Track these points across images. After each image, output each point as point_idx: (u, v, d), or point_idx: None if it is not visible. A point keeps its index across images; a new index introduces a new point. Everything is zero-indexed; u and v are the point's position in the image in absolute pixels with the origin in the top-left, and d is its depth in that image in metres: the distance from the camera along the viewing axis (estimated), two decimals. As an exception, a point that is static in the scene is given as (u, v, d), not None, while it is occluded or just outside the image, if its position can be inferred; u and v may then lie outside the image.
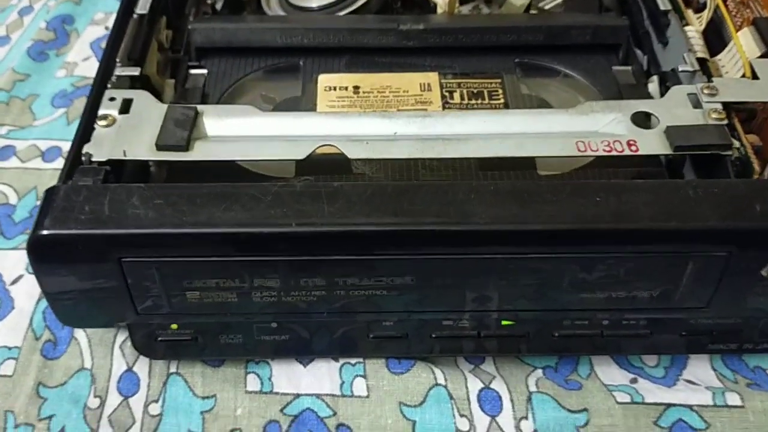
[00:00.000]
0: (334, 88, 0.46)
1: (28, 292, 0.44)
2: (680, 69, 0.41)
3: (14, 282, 0.45)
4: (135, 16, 0.45)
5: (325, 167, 0.40)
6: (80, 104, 0.56)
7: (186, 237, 0.33)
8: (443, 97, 0.45)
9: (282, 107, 0.45)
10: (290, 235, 0.33)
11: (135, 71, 0.42)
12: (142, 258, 0.34)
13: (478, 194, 0.34)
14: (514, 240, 0.34)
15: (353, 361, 0.41)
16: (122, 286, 0.35)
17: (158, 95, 0.44)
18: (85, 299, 0.36)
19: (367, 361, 0.40)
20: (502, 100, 0.45)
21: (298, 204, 0.34)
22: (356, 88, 0.46)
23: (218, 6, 0.56)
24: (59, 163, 0.52)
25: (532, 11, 0.52)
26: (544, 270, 0.35)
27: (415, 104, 0.45)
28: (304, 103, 0.45)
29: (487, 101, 0.45)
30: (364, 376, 0.40)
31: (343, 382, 0.40)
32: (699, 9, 0.50)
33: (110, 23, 0.62)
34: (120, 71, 0.42)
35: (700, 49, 0.44)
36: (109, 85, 0.41)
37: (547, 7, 0.54)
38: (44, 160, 0.52)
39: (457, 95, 0.45)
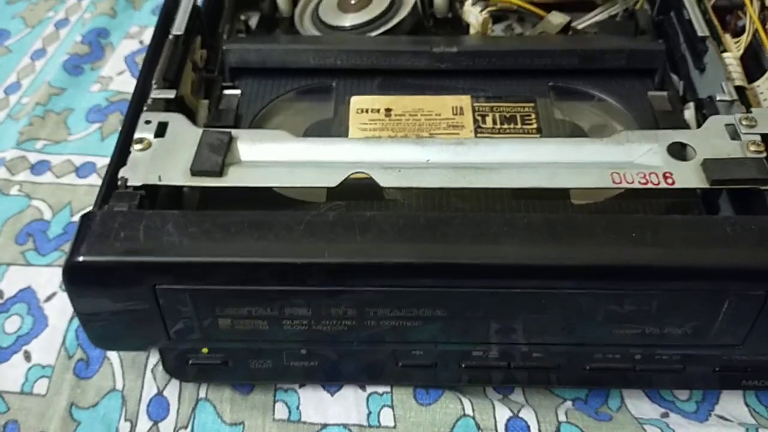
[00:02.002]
0: (366, 111, 0.46)
1: (61, 309, 0.45)
2: (718, 98, 0.41)
3: (48, 299, 0.46)
4: (170, 36, 0.46)
5: (356, 192, 0.40)
6: (114, 120, 0.57)
7: (220, 266, 0.33)
8: (475, 121, 0.45)
9: (315, 129, 0.45)
10: (323, 266, 0.33)
11: (170, 94, 0.42)
12: (176, 286, 0.34)
13: (511, 227, 0.33)
14: (548, 275, 0.33)
15: (380, 390, 0.40)
16: (155, 311, 0.35)
17: (192, 115, 0.45)
18: (118, 323, 0.36)
19: (395, 391, 0.40)
20: (535, 125, 0.45)
21: (331, 234, 0.34)
22: (388, 110, 0.46)
23: (252, 23, 0.57)
24: (93, 179, 0.52)
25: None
26: (577, 305, 0.34)
27: (447, 128, 0.45)
28: (336, 125, 0.45)
29: (519, 126, 0.45)
30: (392, 407, 0.40)
31: (370, 413, 0.40)
32: (737, 33, 0.49)
33: (144, 37, 0.64)
34: (155, 93, 0.42)
35: (738, 77, 0.43)
36: (145, 108, 0.41)
37: (581, 26, 0.54)
38: (78, 176, 0.53)
39: (489, 119, 0.45)
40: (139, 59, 0.62)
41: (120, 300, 0.35)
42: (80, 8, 0.68)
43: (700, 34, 0.45)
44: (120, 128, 0.54)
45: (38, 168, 0.53)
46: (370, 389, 0.41)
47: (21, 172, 0.53)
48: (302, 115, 0.47)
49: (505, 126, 0.45)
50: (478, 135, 0.44)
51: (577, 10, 0.55)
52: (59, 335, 0.44)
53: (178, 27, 0.46)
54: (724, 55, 0.44)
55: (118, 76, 0.61)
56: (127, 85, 0.60)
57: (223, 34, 0.52)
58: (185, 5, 0.48)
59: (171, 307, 0.35)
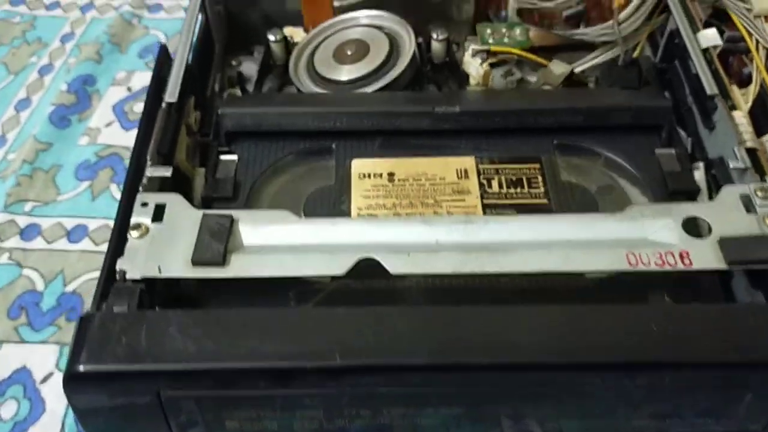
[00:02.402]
0: (369, 176, 0.44)
1: (59, 392, 0.43)
2: (731, 166, 0.40)
3: (44, 380, 0.44)
4: (164, 105, 0.44)
5: (362, 270, 0.38)
6: (105, 176, 0.55)
7: (226, 372, 0.32)
8: (481, 185, 0.44)
9: (316, 197, 0.44)
10: (333, 369, 0.32)
11: (166, 171, 0.40)
12: (181, 392, 0.33)
13: (526, 322, 0.33)
14: (566, 371, 0.32)
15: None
16: (160, 415, 0.34)
17: (188, 183, 0.44)
18: (122, 427, 0.35)
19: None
20: (542, 189, 0.43)
21: (341, 334, 0.32)
22: (391, 175, 0.44)
23: (243, 68, 0.55)
24: (86, 243, 0.51)
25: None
26: (597, 399, 0.33)
27: (453, 194, 0.43)
28: (337, 192, 0.44)
29: (526, 190, 0.44)
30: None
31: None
32: (742, 80, 0.48)
33: (132, 83, 0.62)
34: (150, 171, 0.40)
35: (749, 138, 0.42)
36: (140, 188, 0.40)
37: (579, 69, 0.53)
38: (70, 241, 0.51)
39: (495, 183, 0.44)
40: (128, 108, 0.60)
41: (123, 405, 0.33)
42: (64, 52, 0.66)
43: (708, 92, 0.43)
44: (110, 185, 0.54)
45: (28, 233, 0.52)
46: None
47: (11, 237, 0.51)
48: (302, 181, 0.45)
49: (512, 190, 0.44)
50: (485, 201, 0.43)
51: (576, 50, 0.54)
52: (58, 421, 0.43)
53: (171, 93, 0.45)
54: (734, 113, 0.43)
55: (106, 128, 0.59)
56: (116, 137, 0.58)
57: (215, 92, 0.50)
58: (177, 69, 0.46)
59: (176, 411, 0.34)
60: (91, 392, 0.33)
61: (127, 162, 0.53)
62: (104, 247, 0.37)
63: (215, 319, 0.33)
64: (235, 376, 0.32)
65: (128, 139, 0.57)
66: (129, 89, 0.62)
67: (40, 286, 0.49)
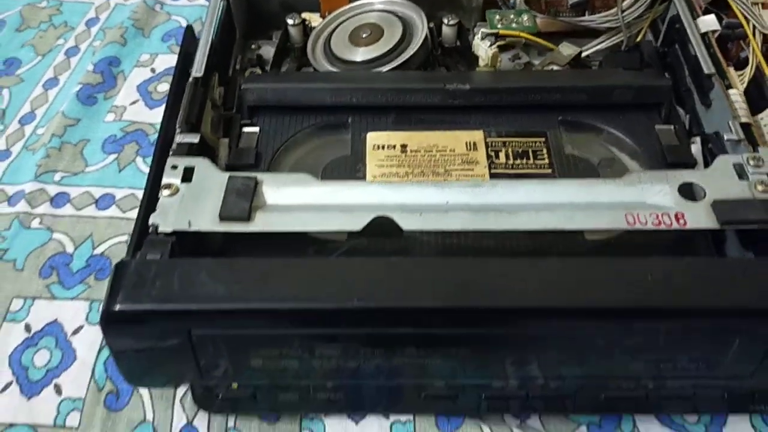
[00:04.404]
0: (383, 147, 0.47)
1: (89, 343, 0.46)
2: (726, 138, 0.42)
3: (75, 332, 0.47)
4: (191, 79, 0.47)
5: (376, 229, 0.41)
6: (130, 150, 0.58)
7: (253, 313, 0.35)
8: (489, 156, 0.46)
9: (333, 166, 0.47)
10: (352, 311, 0.35)
11: (194, 138, 0.43)
12: (211, 331, 0.35)
13: (532, 271, 0.35)
14: (568, 318, 0.35)
15: (403, 419, 0.42)
16: (189, 354, 0.36)
17: (213, 153, 0.46)
18: (153, 364, 0.37)
19: (417, 420, 0.42)
20: (546, 161, 0.46)
21: (359, 280, 0.35)
22: (404, 146, 0.47)
23: (262, 51, 0.58)
24: (113, 210, 0.54)
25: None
26: (596, 343, 0.36)
27: (462, 164, 0.46)
28: (354, 162, 0.47)
29: (532, 161, 0.46)
30: (414, 434, 0.41)
31: (393, 440, 0.41)
32: (739, 63, 0.51)
33: (156, 65, 0.65)
34: (180, 138, 0.43)
35: (743, 114, 0.44)
36: (171, 152, 0.42)
37: (585, 53, 0.55)
38: (98, 208, 0.54)
39: (502, 155, 0.46)
40: (152, 88, 0.63)
41: (155, 344, 0.36)
42: (89, 35, 0.69)
43: (706, 71, 0.46)
44: (136, 158, 0.57)
45: (58, 200, 0.54)
46: (393, 418, 0.42)
47: (41, 204, 0.54)
48: (320, 152, 0.48)
49: (518, 161, 0.46)
50: (492, 171, 0.45)
51: (581, 37, 0.56)
52: (88, 368, 0.45)
53: (198, 68, 0.47)
54: (730, 91, 0.45)
55: (131, 106, 0.62)
56: (141, 114, 0.61)
57: (237, 69, 0.53)
58: (204, 46, 0.49)
59: (205, 350, 0.36)
60: (126, 331, 0.36)
61: (152, 137, 0.56)
62: (132, 214, 0.40)
63: (242, 266, 0.36)
64: (260, 316, 0.35)
65: (152, 116, 0.60)
66: (153, 70, 0.65)
67: (69, 248, 0.51)
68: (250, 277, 0.35)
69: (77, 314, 0.48)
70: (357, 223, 0.39)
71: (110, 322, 0.35)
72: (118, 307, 0.34)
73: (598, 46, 0.56)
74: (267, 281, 0.35)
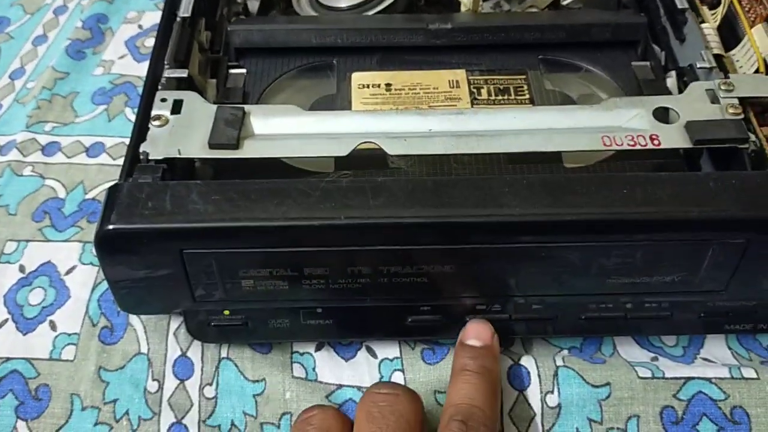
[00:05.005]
0: (368, 86, 0.48)
1: (82, 281, 0.47)
2: (698, 66, 0.44)
3: (68, 272, 0.48)
4: (178, 19, 0.48)
5: (362, 162, 0.42)
6: (119, 101, 0.59)
7: (243, 230, 0.36)
8: (471, 93, 0.48)
9: (320, 104, 0.48)
10: (339, 227, 0.36)
11: (183, 73, 0.44)
12: (202, 249, 0.36)
13: (511, 188, 0.36)
14: (547, 230, 0.36)
15: (391, 356, 0.43)
16: (182, 275, 0.37)
17: (201, 94, 0.47)
18: (147, 288, 0.38)
19: (404, 356, 0.43)
20: (527, 96, 0.47)
21: (345, 198, 0.36)
22: (388, 85, 0.48)
23: (249, 5, 0.59)
24: (103, 158, 0.54)
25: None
26: (574, 257, 0.37)
27: (445, 101, 0.47)
28: (340, 100, 0.48)
29: (513, 97, 0.47)
30: (402, 370, 0.42)
31: (382, 377, 0.42)
32: (713, 5, 0.52)
33: (143, 21, 0.66)
34: (168, 73, 0.44)
35: (716, 46, 0.46)
36: (159, 87, 0.43)
37: (565, 2, 0.57)
38: (88, 156, 0.55)
39: (484, 91, 0.48)
40: (139, 43, 0.64)
41: (149, 265, 0.37)
42: (77, -6, 0.69)
43: (679, 6, 0.48)
44: (125, 109, 0.58)
45: (49, 149, 0.55)
46: (381, 356, 0.43)
47: (32, 153, 0.55)
48: (306, 92, 0.49)
49: (500, 97, 0.47)
50: (475, 106, 0.47)
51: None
52: (82, 305, 0.46)
53: (185, 9, 0.48)
54: (703, 25, 0.47)
55: (119, 60, 0.62)
56: (129, 68, 0.61)
57: (223, 15, 0.54)
58: (190, -12, 0.50)
59: (197, 270, 0.37)
60: (120, 251, 0.37)
61: (140, 89, 0.57)
62: (122, 161, 0.40)
63: (232, 186, 0.37)
64: (250, 233, 0.36)
65: (141, 69, 0.60)
66: (140, 26, 0.65)
67: (61, 194, 0.52)
68: (240, 196, 0.36)
69: (70, 255, 0.49)
70: (343, 149, 0.40)
71: (104, 242, 0.36)
72: (111, 227, 0.35)
73: (578, -7, 0.57)
74: (256, 200, 0.36)
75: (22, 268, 0.48)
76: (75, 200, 0.52)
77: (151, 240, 0.36)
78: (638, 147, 0.39)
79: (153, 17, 0.66)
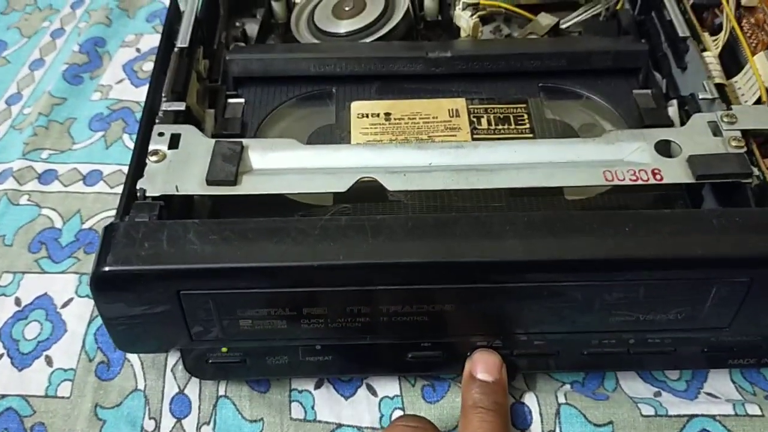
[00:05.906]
0: (367, 115, 0.48)
1: (79, 315, 0.47)
2: (700, 97, 0.43)
3: (65, 305, 0.47)
4: (176, 49, 0.47)
5: (361, 195, 0.42)
6: (117, 127, 0.58)
7: (241, 271, 0.35)
8: (471, 122, 0.47)
9: (318, 134, 0.47)
10: (337, 267, 0.35)
11: (180, 106, 0.44)
12: (200, 291, 0.36)
13: (513, 226, 0.36)
14: (549, 270, 0.36)
15: (391, 394, 0.43)
16: (179, 315, 0.37)
17: (199, 124, 0.47)
18: (143, 327, 0.38)
19: (404, 394, 0.42)
20: (527, 125, 0.47)
21: (344, 237, 0.36)
22: (387, 114, 0.48)
23: (247, 28, 0.58)
24: (101, 186, 0.54)
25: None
26: (576, 295, 0.37)
27: (445, 130, 0.47)
28: (339, 130, 0.47)
29: (513, 126, 0.47)
30: (402, 408, 0.42)
31: (382, 415, 0.42)
32: (714, 30, 0.52)
33: (141, 45, 0.65)
34: (166, 106, 0.44)
35: (717, 75, 0.45)
36: (156, 120, 0.43)
37: (564, 25, 0.56)
38: (86, 184, 0.54)
39: (484, 121, 0.47)
40: (137, 67, 0.63)
41: (145, 305, 0.37)
42: (75, 17, 0.69)
43: (681, 34, 0.47)
44: (122, 135, 0.57)
45: (45, 177, 0.55)
46: (381, 393, 0.43)
47: (29, 181, 0.54)
48: (305, 121, 0.49)
49: (500, 127, 0.47)
50: (475, 136, 0.46)
51: (560, 10, 0.57)
52: (78, 339, 0.46)
53: (183, 39, 0.48)
54: (704, 54, 0.46)
55: (117, 85, 0.62)
56: (127, 93, 0.61)
57: (222, 43, 0.54)
58: (188, 18, 0.49)
59: (194, 310, 0.37)
60: (116, 292, 0.36)
61: (138, 115, 0.57)
62: (119, 190, 0.40)
63: (229, 226, 0.36)
64: (248, 274, 0.35)
65: (139, 94, 0.60)
66: (138, 50, 0.65)
67: (58, 223, 0.52)
68: (238, 237, 0.36)
69: (66, 287, 0.48)
70: (342, 184, 0.40)
71: (100, 283, 0.35)
72: (107, 269, 0.35)
73: (578, 18, 0.57)
74: (254, 240, 0.36)
75: (17, 301, 0.48)
76: (72, 230, 0.51)
77: (147, 281, 0.36)
78: (640, 182, 0.39)
79: (151, 40, 0.66)
